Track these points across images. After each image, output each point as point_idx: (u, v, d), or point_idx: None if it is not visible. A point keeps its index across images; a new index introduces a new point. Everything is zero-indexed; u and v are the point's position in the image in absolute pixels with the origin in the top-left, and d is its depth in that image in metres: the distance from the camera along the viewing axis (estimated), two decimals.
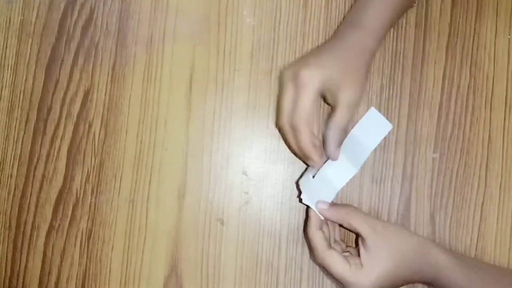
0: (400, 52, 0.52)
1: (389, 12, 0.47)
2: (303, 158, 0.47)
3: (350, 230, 0.46)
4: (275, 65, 0.53)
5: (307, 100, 0.43)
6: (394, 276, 0.43)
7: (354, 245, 0.50)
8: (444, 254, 0.44)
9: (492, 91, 0.51)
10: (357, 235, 0.45)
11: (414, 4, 0.52)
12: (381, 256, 0.42)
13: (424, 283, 0.46)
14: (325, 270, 0.44)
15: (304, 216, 0.51)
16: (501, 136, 0.51)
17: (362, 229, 0.44)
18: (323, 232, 0.45)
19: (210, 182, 0.52)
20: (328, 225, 0.47)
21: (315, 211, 0.46)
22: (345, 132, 0.46)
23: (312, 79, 0.43)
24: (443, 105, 0.52)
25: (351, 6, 0.51)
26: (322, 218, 0.46)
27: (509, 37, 0.52)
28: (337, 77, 0.44)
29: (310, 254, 0.49)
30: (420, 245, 0.44)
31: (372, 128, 0.47)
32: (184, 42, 0.54)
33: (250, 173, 0.52)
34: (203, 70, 0.53)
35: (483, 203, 0.50)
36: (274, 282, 0.51)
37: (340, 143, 0.46)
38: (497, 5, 0.52)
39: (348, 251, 0.47)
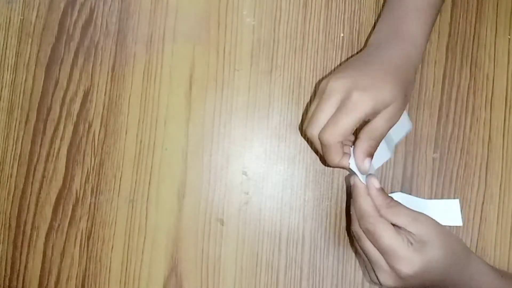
0: None
1: (432, 22, 0.46)
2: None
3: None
4: (275, 65, 0.53)
5: (352, 120, 0.39)
6: (443, 266, 0.40)
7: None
8: (479, 259, 0.43)
9: (492, 91, 0.51)
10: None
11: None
12: (431, 240, 0.39)
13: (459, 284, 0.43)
14: (361, 242, 0.41)
15: (304, 216, 0.51)
16: (501, 136, 0.51)
17: (401, 219, 0.40)
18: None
19: (210, 182, 0.52)
20: None
21: (361, 181, 0.42)
22: (377, 145, 0.42)
23: (363, 102, 0.39)
24: (443, 105, 0.52)
25: (381, 10, 0.49)
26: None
27: (509, 37, 0.52)
28: (390, 99, 0.40)
29: (351, 224, 0.44)
30: (464, 246, 0.43)
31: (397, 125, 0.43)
32: (184, 42, 0.54)
33: (250, 173, 0.52)
34: (203, 70, 0.53)
35: (483, 203, 0.50)
36: (274, 282, 0.51)
37: (370, 155, 0.42)
38: (497, 5, 0.52)
39: None
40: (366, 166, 0.41)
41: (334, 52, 0.52)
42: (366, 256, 0.42)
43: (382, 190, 0.42)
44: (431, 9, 0.46)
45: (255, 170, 0.52)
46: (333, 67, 0.53)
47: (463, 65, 0.52)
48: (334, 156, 0.41)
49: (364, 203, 0.41)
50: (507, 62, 0.52)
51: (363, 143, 0.41)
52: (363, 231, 0.41)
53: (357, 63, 0.44)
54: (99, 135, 0.54)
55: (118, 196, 0.53)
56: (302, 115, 0.52)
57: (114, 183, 0.53)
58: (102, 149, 0.53)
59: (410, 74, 0.43)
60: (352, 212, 0.43)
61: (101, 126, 0.54)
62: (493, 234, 0.50)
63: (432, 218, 0.42)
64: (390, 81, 0.41)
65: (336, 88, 0.41)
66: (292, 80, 0.53)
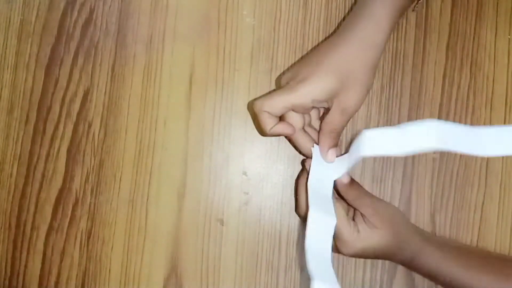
0: (401, 52, 0.52)
1: (400, 4, 0.43)
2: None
3: (353, 207, 0.46)
4: (275, 65, 0.53)
5: (280, 99, 0.42)
6: (386, 250, 0.44)
7: None
8: (424, 240, 0.45)
9: (492, 91, 0.51)
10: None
11: (416, 8, 0.51)
12: (379, 233, 0.43)
13: (401, 262, 0.47)
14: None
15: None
16: None
17: (366, 210, 0.44)
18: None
19: (210, 182, 0.52)
20: None
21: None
22: (339, 135, 0.44)
23: (299, 92, 0.42)
24: (443, 105, 0.52)
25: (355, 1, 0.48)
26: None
27: (509, 37, 0.52)
28: (332, 88, 0.41)
29: (296, 208, 0.49)
30: (407, 226, 0.46)
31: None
32: (184, 42, 0.54)
33: (250, 173, 0.52)
34: (203, 70, 0.53)
35: (483, 203, 0.50)
36: (274, 282, 0.51)
37: (333, 145, 0.44)
38: (497, 5, 0.52)
39: None
40: (330, 157, 0.44)
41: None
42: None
43: (351, 184, 0.45)
44: None
45: (255, 170, 0.52)
46: None
47: (463, 65, 0.52)
48: (263, 126, 0.43)
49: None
50: (507, 62, 0.52)
51: (324, 137, 0.44)
52: None
53: (311, 54, 0.45)
54: (99, 135, 0.53)
55: (118, 196, 0.53)
56: None
57: (114, 183, 0.53)
58: (102, 149, 0.53)
59: (369, 59, 0.42)
60: (300, 194, 0.46)
61: (101, 126, 0.54)
62: (493, 234, 0.50)
63: (388, 207, 0.46)
64: (333, 66, 0.41)
65: (280, 83, 0.45)
66: None
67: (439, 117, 0.51)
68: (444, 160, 0.51)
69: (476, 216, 0.50)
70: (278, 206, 0.52)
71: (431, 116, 0.51)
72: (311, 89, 0.41)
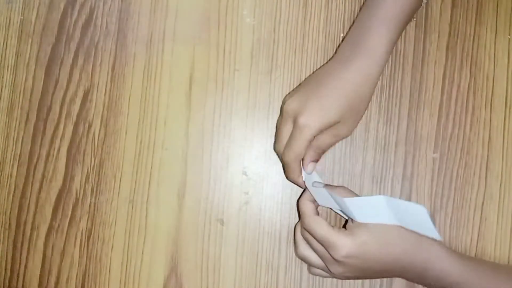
0: (400, 52, 0.52)
1: (395, 37, 0.46)
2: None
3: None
4: (275, 65, 0.53)
5: (302, 143, 0.44)
6: (382, 247, 0.43)
7: None
8: (436, 244, 0.44)
9: (492, 91, 0.51)
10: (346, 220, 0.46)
11: (414, 19, 0.51)
12: (369, 225, 0.43)
13: (412, 274, 0.45)
14: (309, 242, 0.46)
15: None
16: (501, 136, 0.51)
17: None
18: (315, 205, 0.47)
19: (210, 182, 0.52)
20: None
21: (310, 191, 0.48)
22: (323, 153, 0.47)
23: (308, 126, 0.44)
24: (443, 105, 0.52)
25: (353, 22, 0.49)
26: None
27: (509, 37, 0.52)
28: (337, 119, 0.44)
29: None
30: (414, 233, 0.44)
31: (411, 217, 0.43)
32: (184, 42, 0.54)
33: (250, 173, 0.52)
34: (203, 70, 0.53)
35: (483, 203, 0.50)
36: (274, 282, 0.51)
37: (315, 160, 0.46)
38: (497, 5, 0.52)
39: None
40: (309, 168, 0.46)
41: (334, 52, 0.52)
42: (318, 255, 0.46)
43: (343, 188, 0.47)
44: (398, 22, 0.46)
45: (255, 170, 0.52)
46: None
47: (463, 65, 0.52)
48: (291, 174, 0.47)
49: (303, 205, 0.46)
50: (507, 62, 0.52)
51: (309, 150, 0.46)
52: (306, 230, 0.46)
53: (313, 81, 0.47)
54: (99, 135, 0.54)
55: (118, 196, 0.53)
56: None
57: (114, 183, 0.53)
58: (102, 149, 0.53)
59: (366, 92, 0.45)
60: (297, 237, 0.48)
61: (101, 126, 0.54)
62: (493, 234, 0.50)
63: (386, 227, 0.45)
64: (338, 101, 0.44)
65: (288, 111, 0.46)
66: (292, 80, 0.53)
67: (439, 117, 0.51)
68: (444, 160, 0.51)
69: (476, 216, 0.50)
70: (278, 206, 0.52)
71: (431, 116, 0.51)
72: (320, 122, 0.44)
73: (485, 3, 0.52)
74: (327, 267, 0.45)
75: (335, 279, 0.50)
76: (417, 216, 0.41)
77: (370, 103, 0.52)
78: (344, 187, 0.48)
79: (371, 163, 0.51)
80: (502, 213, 0.50)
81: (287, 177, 0.48)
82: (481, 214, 0.50)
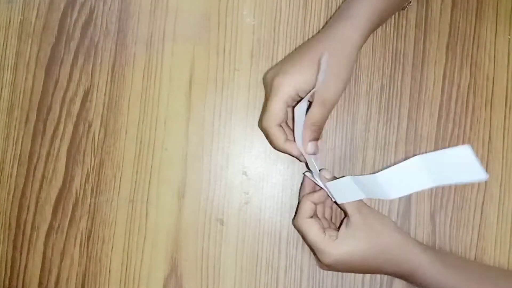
0: (400, 52, 0.52)
1: (378, 6, 0.46)
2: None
3: (340, 207, 0.47)
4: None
5: (274, 105, 0.44)
6: (365, 258, 0.44)
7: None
8: (423, 253, 0.45)
9: (492, 91, 0.51)
10: (345, 215, 0.46)
11: (409, 5, 0.51)
12: (358, 235, 0.44)
13: (400, 277, 0.47)
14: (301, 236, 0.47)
15: None
16: (501, 136, 0.51)
17: (349, 207, 0.45)
18: (313, 204, 0.47)
19: (210, 182, 0.52)
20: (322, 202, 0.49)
21: (310, 179, 0.48)
22: (320, 129, 0.46)
23: (282, 85, 0.44)
24: (443, 105, 0.52)
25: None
26: (320, 184, 0.47)
27: (509, 37, 0.52)
28: (313, 79, 0.44)
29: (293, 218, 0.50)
30: (402, 240, 0.45)
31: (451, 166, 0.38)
32: (184, 42, 0.54)
33: (250, 173, 0.52)
34: (203, 70, 0.53)
35: (483, 203, 0.50)
36: (274, 282, 0.51)
37: (314, 138, 0.45)
38: (497, 5, 0.52)
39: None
40: (309, 149, 0.45)
41: None
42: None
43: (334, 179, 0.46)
44: None
45: (255, 170, 0.52)
46: None
47: (463, 65, 0.52)
48: (275, 141, 0.46)
49: (303, 203, 0.47)
50: (507, 62, 0.52)
51: (306, 130, 0.45)
52: (297, 229, 0.48)
53: (294, 51, 0.48)
54: (99, 135, 0.54)
55: (118, 196, 0.53)
56: None
57: (114, 183, 0.53)
58: (102, 149, 0.53)
59: (344, 56, 0.44)
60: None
61: (101, 126, 0.54)
62: (493, 234, 0.50)
63: (377, 213, 0.46)
64: (312, 61, 0.44)
65: (265, 80, 0.47)
66: None
67: (439, 117, 0.51)
68: None
69: (476, 216, 0.50)
70: (278, 206, 0.52)
71: (431, 116, 0.51)
72: (294, 80, 0.44)
73: (485, 3, 0.52)
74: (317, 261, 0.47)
75: (335, 279, 0.50)
76: (457, 162, 0.37)
77: (370, 103, 0.52)
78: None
79: (371, 163, 0.51)
80: (502, 213, 0.50)
81: (273, 146, 0.47)
82: (481, 214, 0.50)
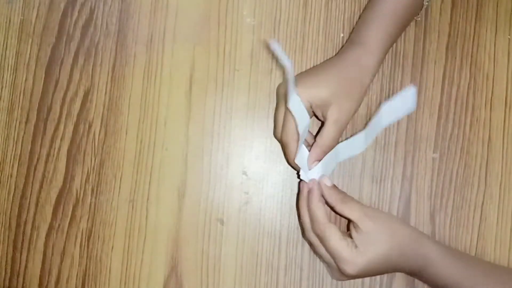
0: (400, 52, 0.52)
1: (392, 30, 0.47)
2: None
3: (340, 215, 0.46)
4: (275, 65, 0.53)
5: (292, 118, 0.45)
6: (387, 260, 0.43)
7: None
8: (434, 246, 0.44)
9: (492, 91, 0.51)
10: (348, 222, 0.46)
11: (418, 18, 0.52)
12: (375, 239, 0.43)
13: (410, 273, 0.47)
14: (315, 246, 0.45)
15: None
16: (501, 136, 0.51)
17: (353, 213, 0.44)
18: (325, 205, 0.45)
19: (210, 182, 0.52)
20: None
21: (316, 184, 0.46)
22: (330, 148, 0.46)
23: (299, 96, 0.44)
24: (443, 105, 0.52)
25: (356, 22, 0.50)
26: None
27: (509, 37, 0.52)
28: (327, 96, 0.44)
29: (302, 232, 0.49)
30: (413, 234, 0.45)
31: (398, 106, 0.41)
32: (184, 42, 0.54)
33: (250, 173, 0.52)
34: (203, 70, 0.53)
35: (483, 203, 0.50)
36: (274, 282, 0.51)
37: (320, 158, 0.46)
38: (497, 5, 0.52)
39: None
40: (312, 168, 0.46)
41: (334, 52, 0.52)
42: (321, 258, 0.46)
43: (334, 187, 0.46)
44: (396, 16, 0.47)
45: (255, 170, 0.52)
46: None
47: (463, 65, 0.52)
48: (290, 154, 0.46)
49: (317, 209, 0.44)
50: (507, 62, 0.52)
51: (315, 148, 0.46)
52: (315, 235, 0.45)
53: (308, 71, 0.49)
54: (99, 135, 0.54)
55: (118, 196, 0.53)
56: None
57: (114, 183, 0.53)
58: (102, 149, 0.53)
59: (359, 79, 0.46)
60: (303, 220, 0.46)
61: (101, 126, 0.54)
62: (493, 234, 0.50)
63: (381, 212, 0.46)
64: (328, 78, 0.45)
65: (279, 93, 0.48)
66: None
67: (439, 117, 0.51)
68: (444, 160, 0.51)
69: (476, 216, 0.50)
70: (278, 206, 0.52)
71: (431, 116, 0.51)
72: (308, 93, 0.45)
73: (485, 3, 0.52)
74: (329, 270, 0.46)
75: (334, 280, 0.50)
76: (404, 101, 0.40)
77: (370, 103, 0.52)
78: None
79: (370, 163, 0.51)
80: (502, 213, 0.50)
81: (288, 161, 0.48)
82: (481, 214, 0.50)
